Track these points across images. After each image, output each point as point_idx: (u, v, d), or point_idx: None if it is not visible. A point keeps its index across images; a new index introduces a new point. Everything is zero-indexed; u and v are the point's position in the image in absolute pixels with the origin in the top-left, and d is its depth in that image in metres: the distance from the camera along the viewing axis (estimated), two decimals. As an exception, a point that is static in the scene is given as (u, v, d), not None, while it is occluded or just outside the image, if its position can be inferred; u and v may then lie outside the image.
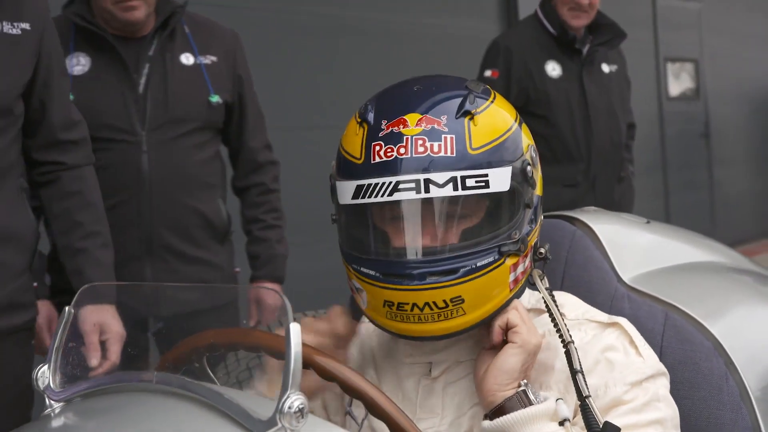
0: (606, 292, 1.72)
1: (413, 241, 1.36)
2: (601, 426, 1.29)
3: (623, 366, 1.39)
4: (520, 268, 1.42)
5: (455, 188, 1.32)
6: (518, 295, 1.46)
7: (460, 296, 1.35)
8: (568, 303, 1.51)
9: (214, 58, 2.68)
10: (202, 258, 2.66)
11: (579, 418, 1.35)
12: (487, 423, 1.35)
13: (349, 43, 5.34)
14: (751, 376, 1.62)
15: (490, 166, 1.35)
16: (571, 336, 1.38)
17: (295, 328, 1.06)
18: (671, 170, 8.43)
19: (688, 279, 1.84)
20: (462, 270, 1.34)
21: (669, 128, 8.43)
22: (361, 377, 1.22)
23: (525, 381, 1.36)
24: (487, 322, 1.41)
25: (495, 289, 1.39)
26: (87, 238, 2.23)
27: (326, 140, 4.58)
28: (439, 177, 1.32)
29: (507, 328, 1.40)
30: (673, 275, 1.83)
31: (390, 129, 1.35)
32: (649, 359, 1.42)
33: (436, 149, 1.33)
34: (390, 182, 1.32)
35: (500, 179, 1.35)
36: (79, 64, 2.53)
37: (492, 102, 1.43)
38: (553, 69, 3.64)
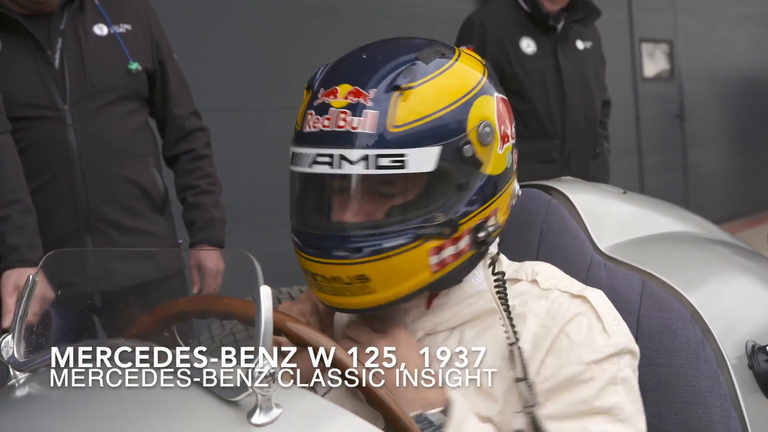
0: (582, 261, 1.71)
1: (325, 215, 1.36)
2: None
3: (581, 345, 1.32)
4: (447, 252, 1.34)
5: (367, 167, 1.27)
6: (451, 276, 1.38)
7: (364, 275, 1.30)
8: (543, 271, 1.45)
9: (128, 26, 2.64)
10: (142, 229, 2.62)
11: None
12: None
13: (320, 23, 5.29)
14: (727, 344, 1.62)
15: (411, 145, 1.27)
16: (516, 334, 1.33)
17: (265, 292, 1.04)
18: (646, 151, 8.45)
19: (664, 248, 1.84)
20: (366, 250, 1.30)
21: (644, 109, 8.45)
22: (332, 341, 1.20)
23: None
24: (408, 300, 1.36)
25: (409, 271, 1.32)
26: (7, 205, 2.24)
27: (295, 121, 4.57)
28: (353, 154, 1.27)
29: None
30: (650, 245, 1.82)
31: (322, 99, 1.32)
32: (614, 336, 1.34)
33: (355, 124, 1.27)
34: (310, 154, 1.30)
35: (422, 160, 1.28)
36: None
37: (444, 70, 1.35)
38: (527, 46, 3.62)
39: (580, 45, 3.71)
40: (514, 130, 1.44)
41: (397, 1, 5.80)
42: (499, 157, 1.38)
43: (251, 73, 4.85)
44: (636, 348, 1.38)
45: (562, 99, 3.60)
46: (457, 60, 1.38)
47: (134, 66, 2.62)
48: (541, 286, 1.42)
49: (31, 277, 1.27)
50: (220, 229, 2.80)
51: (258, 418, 1.02)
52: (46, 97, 2.49)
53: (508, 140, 1.41)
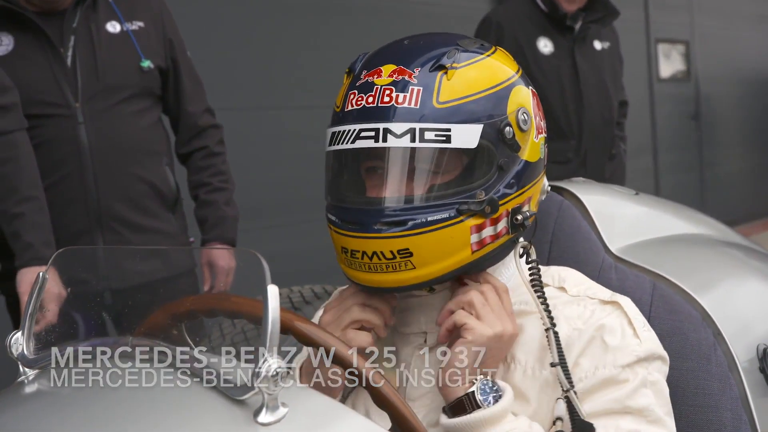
0: (593, 262, 1.70)
1: (369, 189, 1.37)
2: (578, 419, 1.27)
3: (616, 348, 1.35)
4: (487, 232, 1.36)
5: (412, 140, 1.30)
6: (488, 259, 1.40)
7: (407, 249, 1.32)
8: (570, 278, 1.47)
9: (141, 24, 2.65)
10: (154, 227, 2.64)
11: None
12: (443, 419, 1.33)
13: (333, 22, 5.29)
14: (738, 347, 1.61)
15: (455, 121, 1.31)
16: (553, 321, 1.34)
17: (272, 291, 1.04)
18: (661, 151, 8.41)
19: (676, 250, 1.83)
20: (411, 222, 1.31)
21: (659, 109, 8.41)
22: (341, 342, 1.20)
23: (481, 377, 1.32)
24: (445, 280, 1.38)
25: (450, 247, 1.34)
26: (23, 202, 2.25)
27: (310, 120, 4.55)
28: (398, 127, 1.30)
29: (458, 326, 1.36)
30: (661, 247, 1.81)
31: (366, 78, 1.35)
32: (646, 342, 1.37)
33: (401, 100, 1.31)
34: (354, 130, 1.33)
35: (466, 136, 1.32)
36: (2, 44, 2.51)
37: (483, 58, 1.40)
38: (545, 45, 3.61)
39: (597, 45, 3.69)
40: (544, 125, 1.49)
41: (412, 0, 5.80)
42: (534, 145, 1.42)
43: (264, 72, 4.85)
44: (665, 354, 1.40)
45: (579, 99, 3.59)
46: (494, 53, 1.43)
47: (146, 63, 2.63)
48: (570, 293, 1.44)
49: (41, 274, 1.27)
50: (232, 227, 2.80)
51: (264, 417, 1.02)
52: (59, 95, 2.50)
53: (542, 132, 1.45)
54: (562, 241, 1.74)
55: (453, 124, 1.31)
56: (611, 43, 3.77)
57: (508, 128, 1.36)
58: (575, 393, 1.28)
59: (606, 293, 1.44)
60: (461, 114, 1.32)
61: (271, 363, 1.01)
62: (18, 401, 1.21)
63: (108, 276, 1.40)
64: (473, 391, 1.30)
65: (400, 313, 1.49)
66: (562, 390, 1.29)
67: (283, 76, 4.97)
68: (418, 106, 1.31)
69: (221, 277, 2.74)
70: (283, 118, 4.94)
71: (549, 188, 1.53)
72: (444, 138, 1.31)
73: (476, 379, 1.31)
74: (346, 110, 1.35)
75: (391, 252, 1.32)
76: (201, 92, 2.83)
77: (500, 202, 1.36)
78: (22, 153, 2.28)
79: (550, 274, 1.49)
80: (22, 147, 2.29)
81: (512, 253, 1.45)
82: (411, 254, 1.32)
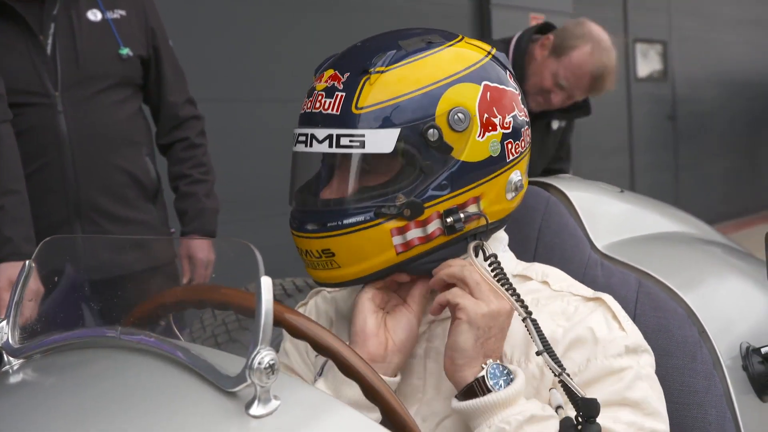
0: (579, 259, 1.70)
1: (300, 191, 1.45)
2: (580, 399, 1.25)
3: (605, 339, 1.35)
4: (413, 233, 1.36)
5: (330, 145, 1.34)
6: (422, 258, 1.39)
7: (329, 249, 1.37)
8: (553, 274, 1.48)
9: (122, 12, 2.63)
10: (133, 218, 2.62)
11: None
12: (455, 403, 1.32)
13: (312, 16, 5.27)
14: (722, 345, 1.62)
15: (369, 127, 1.33)
16: (528, 310, 1.32)
17: (266, 282, 1.02)
18: (638, 151, 8.47)
19: (661, 248, 1.84)
20: (329, 224, 1.36)
21: (636, 109, 8.47)
22: (332, 335, 1.19)
23: (490, 361, 1.31)
24: (373, 279, 1.40)
25: (370, 249, 1.36)
26: (4, 196, 2.22)
27: (284, 113, 4.53)
28: (320, 133, 1.35)
29: (451, 307, 1.34)
30: (646, 244, 1.82)
31: (314, 83, 1.41)
32: (632, 334, 1.37)
33: (326, 106, 1.36)
34: (296, 134, 1.40)
35: (380, 141, 1.33)
36: None
37: (423, 56, 1.38)
38: None
39: (554, 125, 3.44)
40: (520, 120, 1.43)
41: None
42: (478, 144, 1.38)
43: (241, 64, 4.83)
44: (650, 348, 1.40)
45: None
46: (446, 47, 1.40)
47: (125, 51, 2.60)
48: (553, 287, 1.44)
49: (27, 263, 1.26)
50: (212, 219, 2.78)
51: (256, 409, 1.00)
52: (38, 83, 2.47)
53: (495, 129, 1.40)
54: (548, 237, 1.74)
55: (367, 129, 1.33)
56: (568, 122, 3.50)
57: (432, 130, 1.34)
58: (568, 375, 1.27)
59: (588, 291, 1.44)
60: (377, 119, 1.34)
61: (264, 355, 0.99)
62: (2, 391, 1.19)
63: (94, 266, 1.38)
64: (483, 376, 1.29)
65: None
66: (555, 375, 1.27)
67: (258, 69, 4.94)
68: (338, 113, 1.35)
69: (200, 270, 2.72)
70: (258, 111, 4.92)
71: (525, 183, 1.48)
72: (358, 144, 1.33)
73: (485, 363, 1.30)
74: (300, 113, 1.41)
75: (317, 251, 1.38)
76: (183, 82, 2.81)
77: (426, 205, 1.36)
78: (6, 145, 2.25)
79: (534, 269, 1.49)
80: (6, 139, 2.26)
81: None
82: (333, 254, 1.37)
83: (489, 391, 1.28)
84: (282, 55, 5.04)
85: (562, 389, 1.27)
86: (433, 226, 1.37)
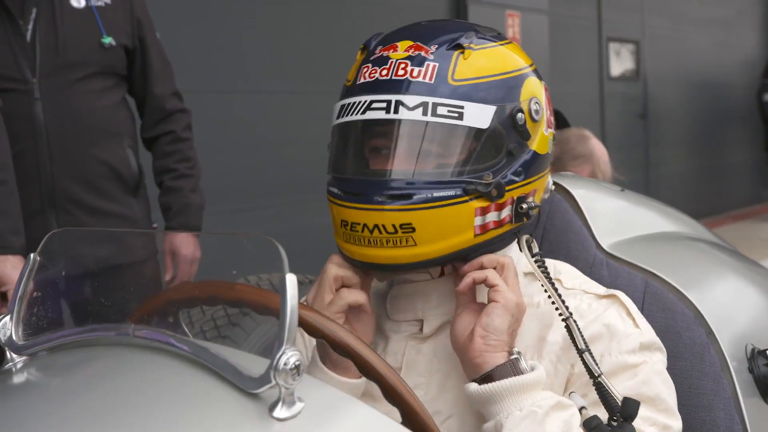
0: (585, 258, 1.68)
1: (376, 161, 1.34)
2: (619, 403, 1.25)
3: (621, 335, 1.35)
4: (491, 216, 1.34)
5: (424, 113, 1.29)
6: (488, 247, 1.37)
7: (410, 223, 1.29)
8: (566, 271, 1.47)
9: (107, 1, 2.56)
10: (112, 210, 2.55)
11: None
12: (474, 387, 1.29)
13: (286, 4, 5.21)
14: (729, 347, 1.61)
15: (469, 99, 1.30)
16: (569, 310, 1.33)
17: (291, 280, 0.98)
18: (610, 149, 8.47)
19: (665, 248, 1.83)
20: (416, 197, 1.29)
21: (609, 108, 8.50)
22: (350, 333, 1.15)
23: (517, 350, 1.30)
24: (444, 262, 1.36)
25: (454, 227, 1.32)
26: None
27: (260, 105, 4.47)
28: (411, 100, 1.29)
29: (488, 286, 1.33)
30: (651, 243, 1.81)
31: (381, 53, 1.35)
32: (646, 331, 1.38)
33: (415, 74, 1.31)
34: (365, 101, 1.31)
35: (478, 115, 1.31)
36: None
37: (497, 46, 1.39)
38: None
39: None
40: (554, 122, 1.47)
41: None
42: (544, 138, 1.41)
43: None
44: (663, 346, 1.40)
45: None
46: (508, 44, 1.42)
47: (107, 40, 2.53)
48: (565, 285, 1.43)
49: (32, 256, 1.20)
50: (197, 214, 2.72)
51: (280, 412, 0.96)
52: (15, 69, 2.41)
53: (551, 127, 1.43)
54: (553, 235, 1.72)
55: (467, 102, 1.30)
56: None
57: (520, 114, 1.35)
58: (602, 377, 1.27)
59: (601, 289, 1.44)
60: (476, 93, 1.31)
61: (290, 356, 0.96)
62: (5, 390, 1.13)
63: (98, 259, 1.33)
64: (516, 358, 1.28)
65: (393, 300, 1.46)
66: (593, 377, 1.27)
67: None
68: (432, 81, 1.30)
69: (184, 267, 2.66)
70: (232, 103, 4.85)
71: (553, 187, 1.51)
72: (456, 115, 1.29)
73: (515, 351, 1.30)
74: (357, 83, 1.34)
75: (393, 226, 1.30)
76: (169, 75, 2.74)
77: (507, 188, 1.35)
78: None
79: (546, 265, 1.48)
80: None
81: (510, 247, 1.43)
82: (413, 230, 1.30)
83: (521, 372, 1.27)
84: (252, 46, 4.98)
85: (595, 390, 1.27)
86: (506, 212, 1.36)
